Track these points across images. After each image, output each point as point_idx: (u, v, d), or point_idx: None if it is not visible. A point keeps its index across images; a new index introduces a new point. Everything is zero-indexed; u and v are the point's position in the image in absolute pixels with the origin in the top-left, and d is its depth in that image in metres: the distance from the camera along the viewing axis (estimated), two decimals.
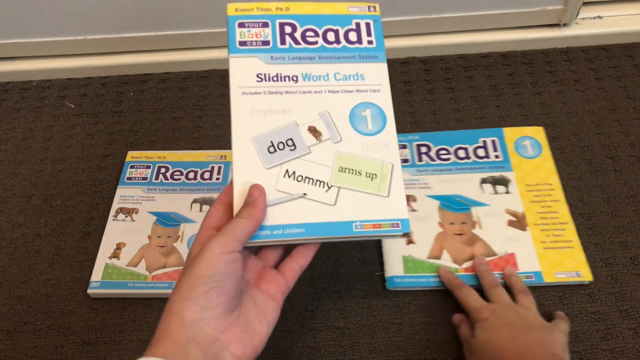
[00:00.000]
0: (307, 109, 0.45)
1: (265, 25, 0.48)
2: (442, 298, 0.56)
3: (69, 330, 0.56)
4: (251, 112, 0.44)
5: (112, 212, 0.62)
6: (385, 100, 0.47)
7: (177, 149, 0.69)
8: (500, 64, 0.75)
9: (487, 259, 0.56)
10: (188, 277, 0.37)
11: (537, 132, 0.65)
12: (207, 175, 0.65)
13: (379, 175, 0.44)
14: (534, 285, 0.55)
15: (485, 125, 0.68)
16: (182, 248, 0.59)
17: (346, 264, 0.59)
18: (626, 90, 0.71)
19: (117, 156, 0.70)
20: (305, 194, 0.43)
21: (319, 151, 0.44)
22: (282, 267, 0.44)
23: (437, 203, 0.60)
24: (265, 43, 0.47)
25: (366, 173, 0.44)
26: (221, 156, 0.66)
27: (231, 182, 0.43)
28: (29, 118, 0.75)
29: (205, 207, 0.62)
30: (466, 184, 0.61)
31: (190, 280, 0.37)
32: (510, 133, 0.65)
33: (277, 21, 0.48)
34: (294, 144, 0.44)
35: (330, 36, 0.48)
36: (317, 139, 0.45)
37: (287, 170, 0.43)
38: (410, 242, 0.58)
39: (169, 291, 0.56)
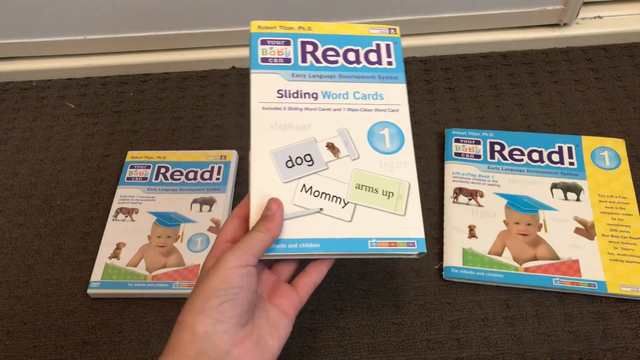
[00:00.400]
0: (326, 126, 0.46)
1: (287, 43, 0.48)
2: (442, 298, 0.56)
3: (69, 330, 0.56)
4: (271, 127, 0.45)
5: (112, 212, 0.62)
6: (403, 120, 0.47)
7: (177, 149, 0.69)
8: (500, 64, 0.75)
9: (549, 262, 0.56)
10: (201, 290, 0.37)
11: (618, 144, 0.64)
12: (207, 175, 0.65)
13: (396, 193, 0.44)
14: (596, 294, 0.54)
15: (485, 125, 0.69)
16: (182, 248, 0.59)
17: (346, 264, 0.59)
18: (626, 90, 0.71)
19: (117, 156, 0.69)
20: (321, 209, 0.43)
21: (336, 167, 0.45)
22: (296, 282, 0.44)
23: (504, 201, 0.60)
24: (287, 60, 0.48)
25: (383, 191, 0.44)
26: (221, 156, 0.66)
27: (248, 196, 0.43)
28: (28, 118, 0.75)
29: (205, 207, 0.62)
30: (536, 187, 0.61)
31: (204, 293, 0.37)
32: (589, 142, 0.64)
33: (299, 40, 0.49)
34: (311, 160, 0.45)
35: (351, 56, 0.49)
36: (335, 156, 0.45)
37: (304, 185, 0.44)
38: (472, 235, 0.58)
39: (169, 291, 0.57)
